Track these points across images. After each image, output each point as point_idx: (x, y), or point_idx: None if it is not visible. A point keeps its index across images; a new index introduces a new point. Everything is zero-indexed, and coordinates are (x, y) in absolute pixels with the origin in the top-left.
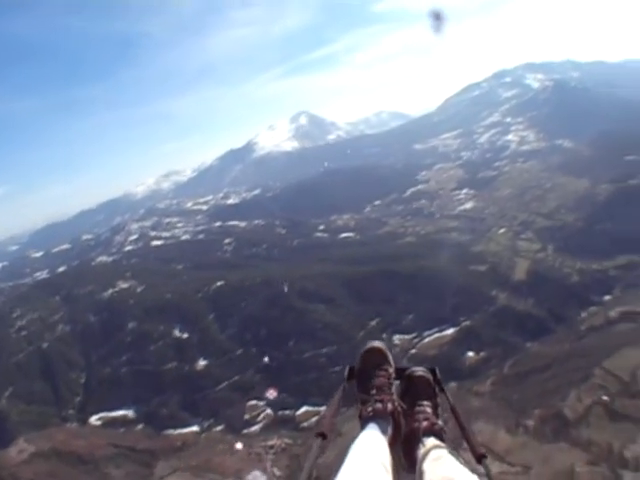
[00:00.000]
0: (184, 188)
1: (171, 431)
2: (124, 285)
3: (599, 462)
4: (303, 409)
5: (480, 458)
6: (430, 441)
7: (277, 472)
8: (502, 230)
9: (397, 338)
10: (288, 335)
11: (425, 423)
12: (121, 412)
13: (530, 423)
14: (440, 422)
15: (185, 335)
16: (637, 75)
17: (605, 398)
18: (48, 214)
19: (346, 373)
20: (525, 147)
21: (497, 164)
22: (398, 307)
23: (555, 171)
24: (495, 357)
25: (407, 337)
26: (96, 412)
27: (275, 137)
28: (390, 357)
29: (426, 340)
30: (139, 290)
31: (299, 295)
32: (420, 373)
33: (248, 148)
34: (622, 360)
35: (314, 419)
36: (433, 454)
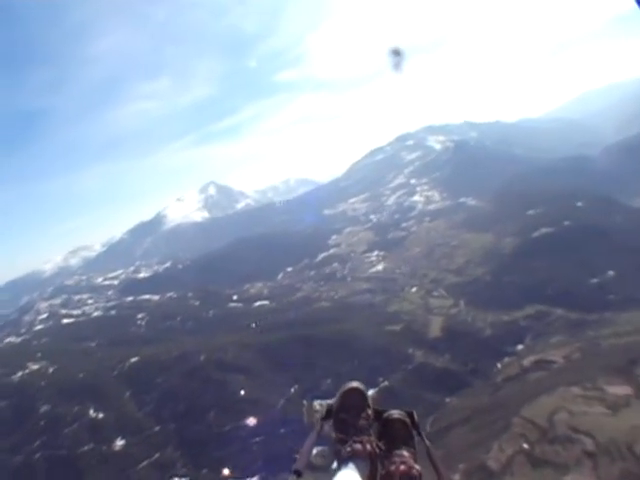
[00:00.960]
0: (93, 263)
1: None
2: (35, 366)
3: None
4: None
5: None
6: None
7: None
8: (414, 289)
9: (317, 403)
10: (207, 408)
11: (402, 467)
12: None
13: (456, 478)
14: (417, 466)
15: (101, 415)
16: (531, 133)
17: (526, 446)
18: None
19: (324, 412)
20: (431, 206)
21: (405, 224)
22: (316, 372)
23: (461, 228)
24: (416, 414)
25: (328, 402)
26: None
27: (184, 208)
28: (369, 398)
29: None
30: (51, 371)
31: (216, 366)
32: (397, 416)
33: (157, 220)
34: (539, 407)
35: None
36: None
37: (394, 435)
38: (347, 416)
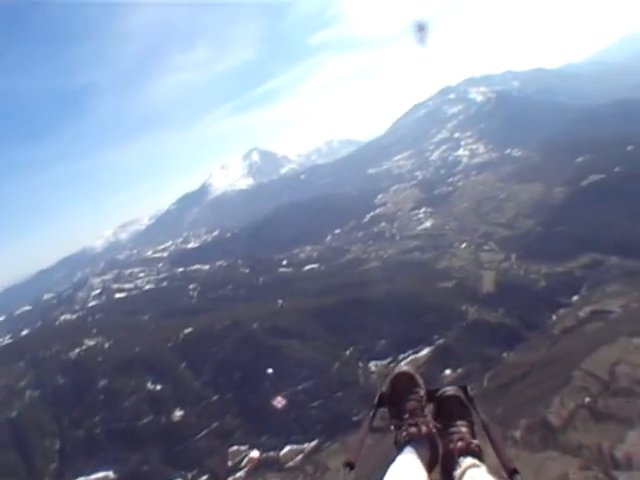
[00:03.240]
0: (143, 237)
1: None
2: (91, 342)
3: (591, 466)
4: (287, 449)
5: (512, 473)
6: (467, 461)
7: None
8: (464, 245)
9: (373, 365)
10: (263, 375)
11: (460, 443)
12: (101, 474)
13: (517, 434)
14: (475, 441)
15: (158, 387)
16: (575, 80)
17: (588, 400)
18: (5, 277)
19: (376, 399)
20: (476, 160)
21: (451, 180)
22: (370, 334)
23: (508, 180)
24: (473, 372)
25: (383, 363)
26: (74, 478)
27: (229, 176)
28: (420, 380)
29: (402, 363)
30: (107, 346)
31: (270, 333)
32: (451, 392)
33: (203, 190)
34: (599, 360)
35: (299, 457)
36: (469, 474)
37: (450, 412)
38: (399, 401)
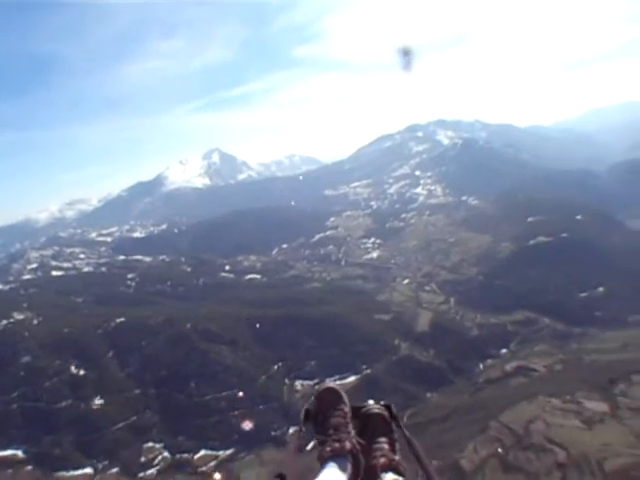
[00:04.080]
0: (89, 218)
1: (63, 473)
2: (19, 316)
3: None
4: (201, 453)
5: None
6: (388, 477)
7: None
8: (406, 281)
9: (299, 383)
10: (189, 376)
11: (382, 459)
12: (9, 452)
13: None
14: (397, 457)
15: (82, 372)
16: (541, 141)
17: (500, 450)
18: None
19: (302, 415)
20: (432, 200)
21: (405, 215)
22: (301, 352)
23: (460, 226)
24: (395, 406)
25: (309, 383)
26: None
27: (186, 172)
28: (345, 396)
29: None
30: (35, 322)
31: (202, 336)
32: (376, 410)
33: (158, 181)
34: (516, 414)
35: (212, 463)
36: None
37: (373, 429)
38: (324, 417)
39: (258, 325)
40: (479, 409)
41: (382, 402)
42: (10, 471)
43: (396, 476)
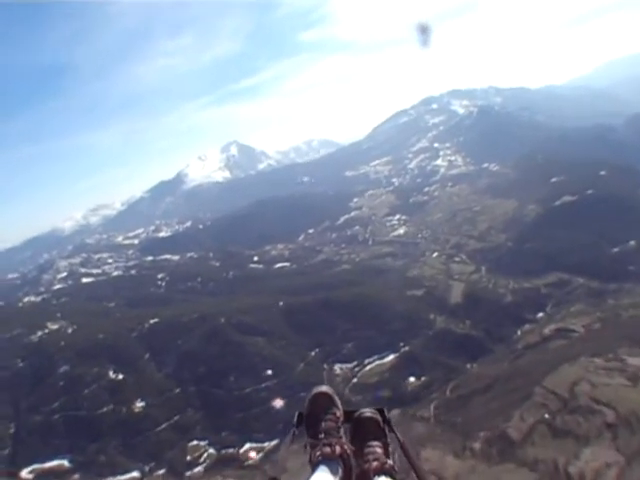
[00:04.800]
0: (114, 222)
1: (110, 479)
2: (54, 326)
3: None
4: (247, 446)
5: None
6: None
7: None
8: (435, 254)
9: (338, 367)
10: (227, 371)
11: (375, 463)
12: (55, 462)
13: (476, 446)
14: (390, 461)
15: (120, 376)
16: (555, 101)
17: (547, 416)
18: None
19: (295, 419)
20: (454, 171)
21: (427, 189)
22: (337, 336)
23: (483, 194)
24: (437, 381)
25: (348, 366)
26: (28, 464)
27: (205, 168)
28: (337, 400)
29: (367, 368)
30: (70, 331)
31: (237, 329)
32: (368, 414)
33: (178, 179)
34: (560, 377)
35: (258, 456)
36: None
37: (366, 433)
38: (316, 420)
39: (292, 313)
40: (521, 376)
41: (375, 407)
42: None
43: (389, 479)
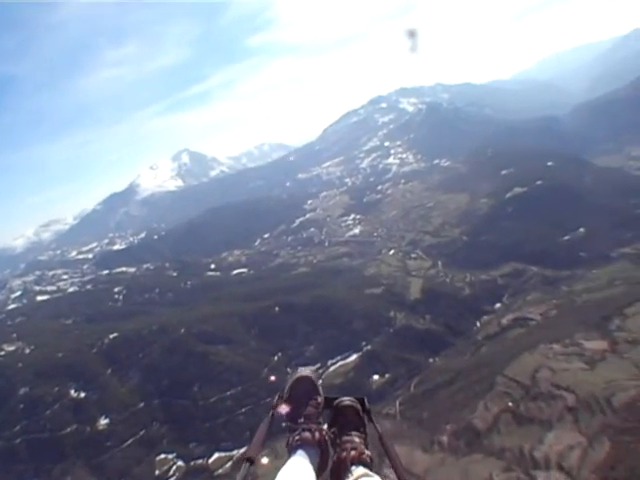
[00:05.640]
0: (66, 237)
1: None
2: (10, 348)
3: (513, 467)
4: (215, 456)
5: None
6: (358, 470)
7: None
8: (392, 251)
9: (301, 371)
10: (191, 381)
11: (353, 452)
12: None
13: (444, 439)
14: (368, 452)
15: (82, 394)
16: (501, 95)
17: (510, 404)
18: None
19: (275, 400)
20: (406, 168)
21: (380, 187)
22: (299, 339)
23: (436, 189)
24: (400, 377)
25: (312, 368)
26: None
27: (157, 177)
28: (319, 386)
29: (331, 369)
30: (28, 351)
31: (198, 338)
32: (348, 403)
33: (131, 190)
34: (520, 365)
35: (228, 465)
36: None
37: (345, 422)
38: (297, 405)
39: (252, 319)
40: (483, 367)
41: (356, 396)
42: None
43: (366, 470)
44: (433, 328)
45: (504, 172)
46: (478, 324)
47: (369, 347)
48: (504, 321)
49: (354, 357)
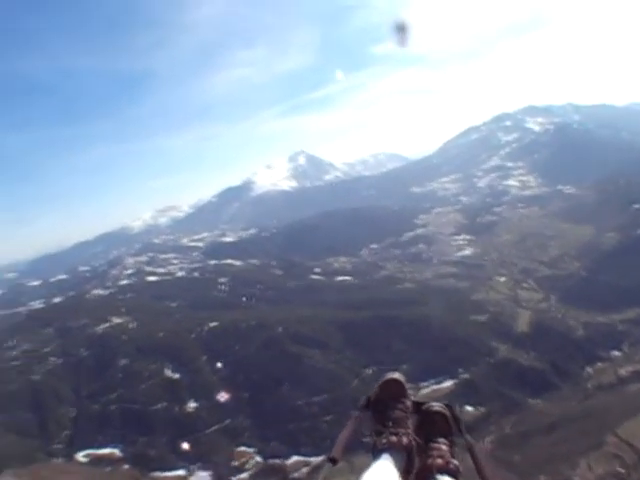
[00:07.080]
0: (181, 224)
1: (157, 473)
2: (117, 320)
3: None
4: (294, 458)
5: None
6: (444, 479)
7: None
8: (502, 278)
9: (391, 374)
10: (281, 380)
11: (439, 460)
12: (108, 450)
13: None
14: (455, 461)
15: (176, 375)
16: None
17: (620, 470)
18: (46, 243)
19: (363, 402)
20: (526, 192)
21: (497, 209)
22: (394, 355)
23: (557, 217)
24: (495, 413)
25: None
26: (83, 448)
27: (273, 176)
28: (408, 390)
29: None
30: (132, 326)
31: (293, 339)
32: (437, 408)
33: (246, 186)
34: (638, 426)
35: (304, 469)
36: None
37: (433, 428)
38: (385, 407)
39: (349, 327)
40: (591, 419)
41: (445, 402)
42: (109, 469)
43: None
44: (538, 366)
45: (636, 206)
46: (590, 370)
47: (466, 376)
48: (622, 372)
49: (449, 383)
